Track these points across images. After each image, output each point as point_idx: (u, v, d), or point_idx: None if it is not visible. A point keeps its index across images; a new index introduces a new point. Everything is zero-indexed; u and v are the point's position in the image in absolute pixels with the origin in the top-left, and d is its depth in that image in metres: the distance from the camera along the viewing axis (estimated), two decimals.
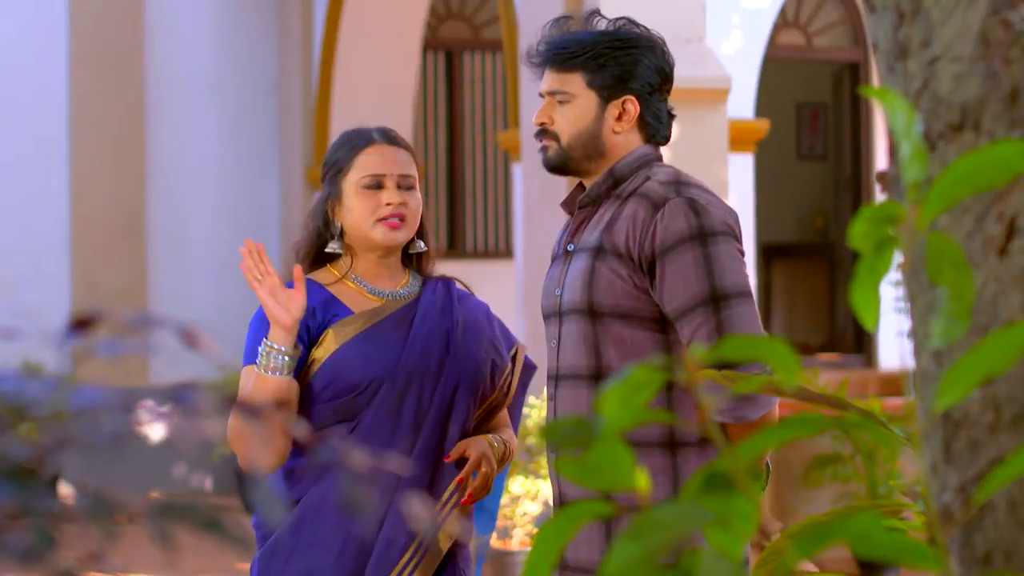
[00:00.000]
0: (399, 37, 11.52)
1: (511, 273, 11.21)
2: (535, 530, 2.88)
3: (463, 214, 13.23)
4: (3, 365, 1.56)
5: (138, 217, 11.80)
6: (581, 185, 3.44)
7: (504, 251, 13.03)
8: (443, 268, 3.73)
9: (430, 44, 13.01)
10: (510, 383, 3.65)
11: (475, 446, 3.53)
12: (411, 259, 3.66)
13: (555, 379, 3.36)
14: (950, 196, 1.34)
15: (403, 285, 3.61)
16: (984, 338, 1.38)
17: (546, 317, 3.43)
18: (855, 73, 12.61)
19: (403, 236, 3.55)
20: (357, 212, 3.53)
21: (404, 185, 3.56)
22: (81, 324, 1.38)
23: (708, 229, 3.23)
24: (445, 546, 3.49)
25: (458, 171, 13.28)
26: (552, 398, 3.37)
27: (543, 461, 7.66)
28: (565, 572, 3.31)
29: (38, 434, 1.32)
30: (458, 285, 3.68)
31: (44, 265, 11.54)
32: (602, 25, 3.40)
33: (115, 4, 11.71)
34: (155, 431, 1.35)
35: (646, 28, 3.42)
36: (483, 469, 3.50)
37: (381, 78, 11.51)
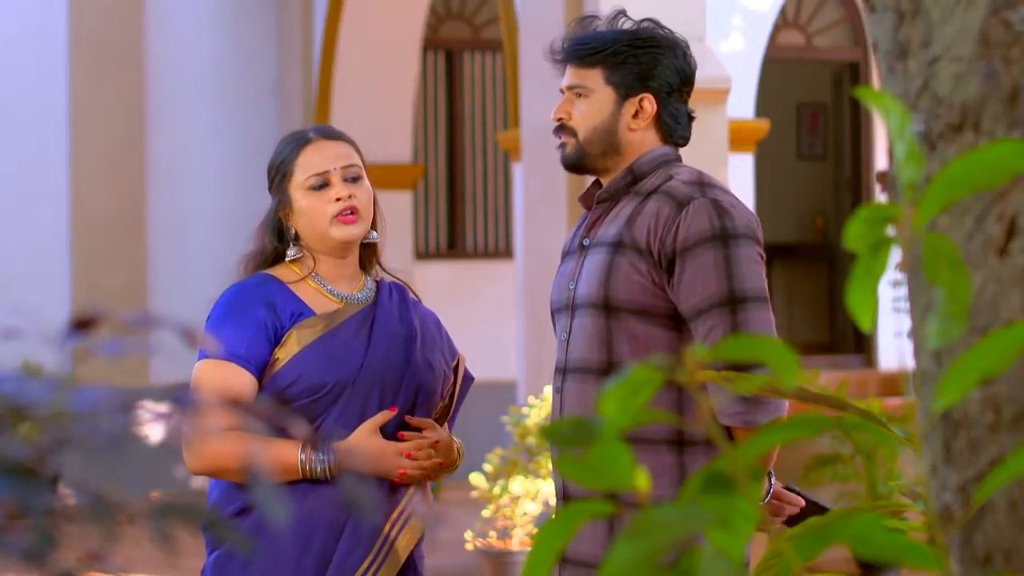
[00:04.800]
0: (399, 37, 11.51)
1: (511, 273, 11.20)
2: (535, 530, 2.88)
3: (463, 214, 13.22)
4: (3, 365, 1.56)
5: (138, 217, 11.80)
6: (598, 182, 3.46)
7: (504, 251, 13.02)
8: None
9: (430, 44, 13.01)
10: (452, 393, 3.64)
11: (440, 431, 3.52)
12: (364, 253, 3.64)
13: (563, 372, 3.37)
14: (948, 196, 1.34)
15: (360, 288, 3.59)
16: (983, 338, 1.38)
17: (556, 311, 3.44)
18: (855, 73, 12.61)
19: (359, 230, 3.53)
20: (309, 213, 3.51)
21: (350, 176, 3.54)
22: (81, 324, 1.38)
23: (731, 231, 3.24)
24: (404, 553, 3.47)
25: (458, 171, 13.27)
26: (559, 391, 3.38)
27: (543, 461, 7.66)
28: (565, 566, 3.31)
29: (38, 434, 1.32)
30: (410, 293, 3.67)
31: (44, 265, 11.53)
32: (628, 25, 3.43)
33: (115, 4, 11.70)
34: (155, 431, 1.35)
35: (670, 30, 3.45)
36: (437, 459, 3.49)
37: (381, 78, 11.51)
